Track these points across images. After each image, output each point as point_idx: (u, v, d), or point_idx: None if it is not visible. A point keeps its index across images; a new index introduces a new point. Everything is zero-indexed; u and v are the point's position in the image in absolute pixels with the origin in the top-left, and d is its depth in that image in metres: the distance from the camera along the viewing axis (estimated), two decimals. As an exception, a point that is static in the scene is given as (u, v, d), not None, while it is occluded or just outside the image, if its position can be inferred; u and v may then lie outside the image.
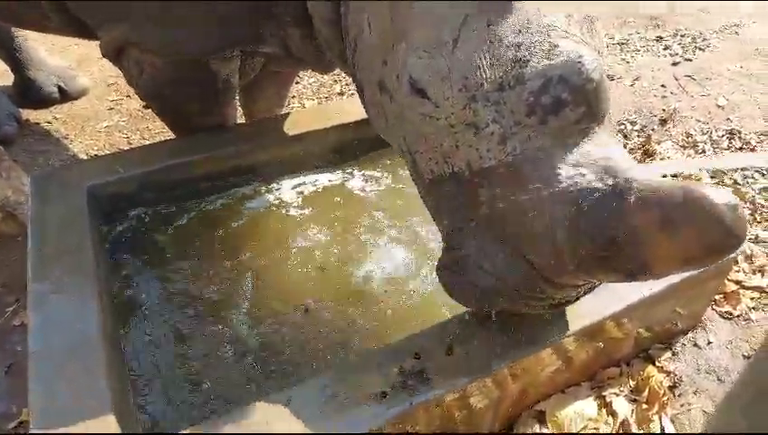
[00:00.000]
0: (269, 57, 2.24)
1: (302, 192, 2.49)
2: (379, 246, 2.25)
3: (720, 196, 1.06)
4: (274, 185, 2.50)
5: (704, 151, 3.22)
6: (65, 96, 3.81)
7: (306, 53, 2.06)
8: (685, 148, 3.26)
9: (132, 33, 2.05)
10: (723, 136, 3.32)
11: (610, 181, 1.19)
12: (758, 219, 2.66)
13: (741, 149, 3.20)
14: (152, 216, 2.31)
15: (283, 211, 2.40)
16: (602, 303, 1.67)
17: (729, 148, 3.22)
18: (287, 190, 2.49)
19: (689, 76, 3.85)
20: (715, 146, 3.25)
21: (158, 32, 2.02)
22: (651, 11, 4.66)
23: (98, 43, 2.19)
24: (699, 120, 3.45)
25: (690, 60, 4.03)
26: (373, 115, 1.68)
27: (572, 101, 1.24)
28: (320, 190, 2.51)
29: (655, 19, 4.57)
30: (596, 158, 1.24)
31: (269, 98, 2.97)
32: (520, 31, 1.26)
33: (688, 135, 3.34)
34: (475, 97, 1.28)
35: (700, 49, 4.16)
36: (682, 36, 4.33)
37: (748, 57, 4.00)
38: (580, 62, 1.23)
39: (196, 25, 2.00)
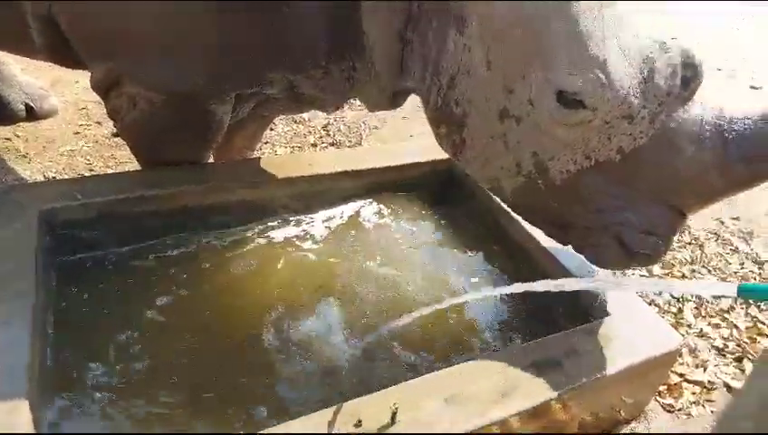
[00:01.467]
0: (266, 98, 2.27)
1: (261, 239, 2.46)
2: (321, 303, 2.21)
3: None
4: (238, 228, 2.47)
5: (656, 242, 3.34)
6: (32, 115, 3.72)
7: (322, 88, 2.13)
8: (638, 237, 3.38)
9: (135, 69, 2.05)
10: (674, 230, 3.47)
11: (733, 117, 1.63)
12: (703, 314, 2.75)
13: (690, 243, 3.34)
14: (107, 248, 2.24)
15: (240, 257, 2.35)
16: (551, 383, 1.68)
17: (679, 241, 3.35)
18: (248, 236, 2.46)
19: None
20: (667, 238, 3.38)
21: (166, 70, 2.02)
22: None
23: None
24: (653, 212, 3.59)
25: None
26: (481, 144, 1.86)
27: (694, 77, 1.64)
28: (279, 240, 2.48)
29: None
30: (709, 106, 1.67)
31: (244, 138, 2.97)
32: (635, 39, 1.64)
33: (642, 225, 3.47)
34: (627, 94, 1.61)
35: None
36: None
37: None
38: (688, 50, 1.65)
39: (206, 67, 2.01)
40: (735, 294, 1.37)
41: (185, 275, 2.21)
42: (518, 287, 1.73)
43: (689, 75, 1.63)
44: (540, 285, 1.69)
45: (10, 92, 3.60)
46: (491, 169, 1.89)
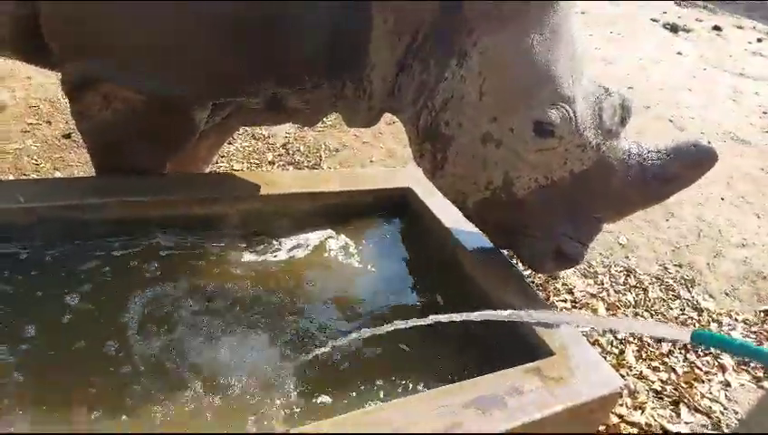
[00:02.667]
0: (243, 107, 2.26)
1: (208, 252, 2.39)
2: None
3: (705, 143, 2.04)
4: (181, 241, 2.39)
5: (602, 283, 3.43)
6: (-23, 109, 3.57)
7: (305, 102, 2.22)
8: (586, 277, 3.46)
9: (118, 71, 2.01)
10: (620, 271, 3.57)
11: (653, 148, 2.09)
12: (644, 357, 2.82)
13: (634, 287, 3.44)
14: (43, 254, 2.13)
15: (174, 271, 2.27)
16: (493, 422, 1.67)
17: (625, 284, 3.45)
18: (190, 251, 2.38)
19: (597, 211, 4.16)
20: (613, 280, 3.48)
21: (152, 74, 1.99)
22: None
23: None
24: (601, 254, 3.70)
25: (600, 196, 4.37)
26: (462, 162, 2.10)
27: (627, 116, 2.07)
28: (218, 257, 2.41)
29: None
30: (632, 140, 2.11)
31: (198, 150, 2.91)
32: (591, 83, 2.06)
33: (590, 265, 3.56)
34: (586, 127, 2.01)
35: (609, 188, 4.53)
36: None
37: (649, 204, 4.40)
38: (624, 95, 2.08)
39: (197, 73, 2.02)
40: (689, 340, 1.48)
41: (113, 282, 2.13)
42: (482, 315, 1.88)
43: (624, 115, 2.08)
44: (487, 315, 1.85)
45: (-45, 84, 3.45)
46: (463, 185, 2.15)
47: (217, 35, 1.93)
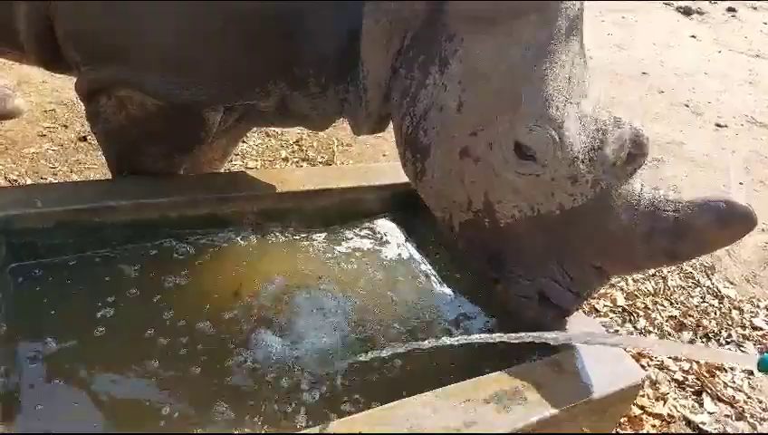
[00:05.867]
0: (254, 109, 2.25)
1: (223, 251, 2.40)
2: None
3: (743, 202, 1.70)
4: (199, 241, 2.41)
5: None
6: (-6, 115, 3.62)
7: (312, 108, 2.17)
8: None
9: (133, 75, 2.01)
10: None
11: (672, 198, 1.77)
12: (664, 347, 2.79)
13: (653, 276, 3.40)
14: (65, 259, 2.16)
15: (200, 270, 2.29)
16: (513, 416, 1.67)
17: (644, 272, 3.41)
18: (210, 248, 2.40)
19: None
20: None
21: (167, 78, 1.99)
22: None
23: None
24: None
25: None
26: (438, 175, 1.94)
27: (640, 154, 1.79)
28: (242, 249, 2.43)
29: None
30: (649, 187, 1.80)
31: (212, 151, 2.92)
32: (595, 109, 1.82)
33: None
34: (576, 158, 1.76)
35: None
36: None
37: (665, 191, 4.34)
38: (640, 128, 1.81)
39: (211, 76, 2.01)
40: (755, 368, 1.39)
41: (137, 285, 2.14)
42: (509, 337, 1.75)
43: (635, 152, 1.79)
44: (528, 336, 1.73)
45: (-28, 90, 3.50)
46: (444, 201, 1.98)
47: (231, 38, 1.93)
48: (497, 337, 1.78)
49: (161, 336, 1.97)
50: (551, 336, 1.73)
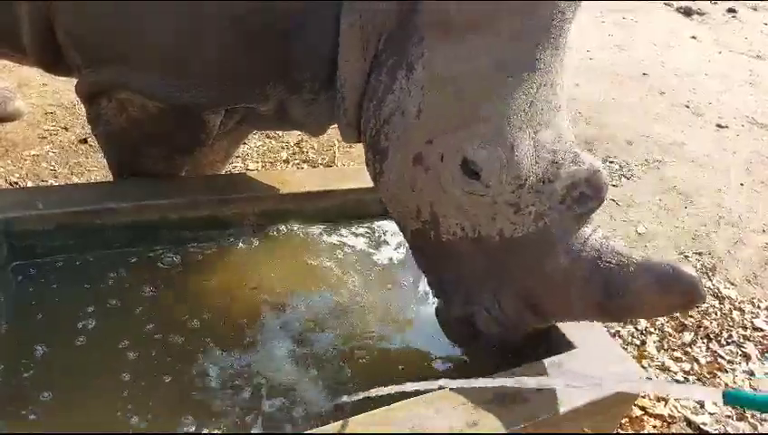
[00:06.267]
0: (253, 113, 2.25)
1: (225, 253, 2.41)
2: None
3: (691, 271, 1.55)
4: (199, 243, 2.41)
5: (621, 274, 3.39)
6: (-6, 117, 3.62)
7: (306, 114, 2.15)
8: (605, 268, 3.42)
9: (133, 78, 2.01)
10: (639, 262, 3.53)
11: (622, 251, 1.64)
12: (666, 347, 2.79)
13: (654, 276, 3.40)
14: (66, 260, 2.16)
15: (202, 272, 2.29)
16: (515, 417, 1.67)
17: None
18: (211, 251, 2.40)
19: (614, 201, 4.12)
20: (632, 270, 3.44)
21: (167, 80, 1.99)
22: (585, 134, 5.02)
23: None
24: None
25: (616, 186, 4.33)
26: (393, 179, 1.92)
27: (593, 197, 1.68)
28: (241, 252, 2.43)
29: (588, 143, 4.92)
30: (601, 234, 1.70)
31: (214, 152, 2.93)
32: (555, 140, 1.72)
33: (609, 256, 3.52)
34: (522, 185, 1.68)
35: (625, 177, 4.48)
36: (611, 163, 4.66)
37: (666, 192, 4.34)
38: (599, 170, 1.69)
39: (210, 78, 2.01)
40: (722, 400, 1.33)
41: (138, 286, 2.16)
42: (493, 382, 1.64)
43: (589, 193, 1.67)
44: (515, 382, 1.60)
45: (-27, 92, 3.50)
46: (399, 206, 1.96)
47: (230, 40, 1.92)
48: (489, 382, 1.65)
49: (163, 333, 1.98)
50: (532, 383, 1.60)
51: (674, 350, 2.79)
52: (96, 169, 3.48)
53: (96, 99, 2.16)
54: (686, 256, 3.61)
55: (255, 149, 4.12)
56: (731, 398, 1.33)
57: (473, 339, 1.86)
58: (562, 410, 1.74)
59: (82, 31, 2.03)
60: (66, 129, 3.82)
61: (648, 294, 1.58)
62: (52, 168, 3.45)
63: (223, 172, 2.98)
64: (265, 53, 1.96)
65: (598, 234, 1.69)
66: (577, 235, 1.67)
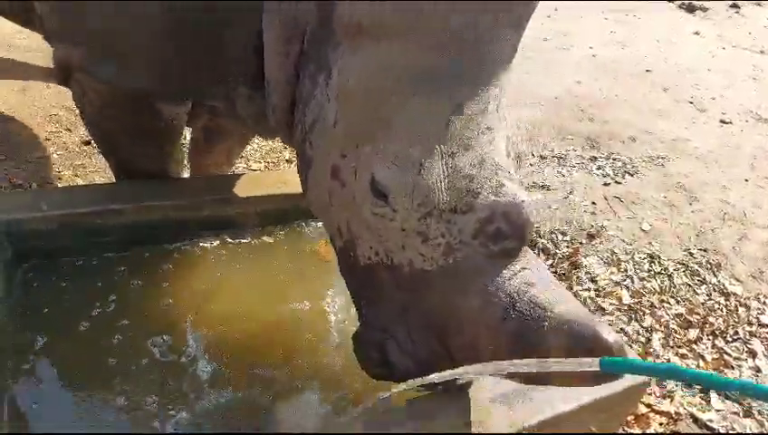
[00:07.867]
0: (214, 111, 2.22)
1: (226, 252, 2.41)
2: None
3: (612, 337, 1.32)
4: (201, 243, 2.42)
5: (626, 271, 3.39)
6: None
7: (250, 113, 2.06)
8: (609, 265, 3.42)
9: (85, 60, 2.00)
10: (644, 258, 3.52)
11: (543, 302, 1.40)
12: (671, 344, 2.78)
13: (659, 273, 3.39)
14: (69, 261, 2.17)
15: (205, 270, 2.29)
16: (519, 415, 1.66)
17: (649, 270, 3.40)
18: (213, 249, 2.41)
19: (618, 198, 4.11)
20: (637, 267, 3.43)
21: (116, 67, 1.97)
22: (589, 131, 5.01)
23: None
24: (624, 241, 3.65)
25: (620, 183, 4.32)
26: (315, 192, 1.77)
27: (511, 235, 1.47)
28: (242, 249, 2.44)
29: (591, 140, 4.90)
30: (522, 279, 1.46)
31: (218, 153, 2.93)
32: (474, 165, 1.50)
33: (613, 253, 3.52)
34: (430, 213, 1.48)
35: (629, 174, 4.46)
36: (614, 160, 4.65)
37: (670, 188, 4.33)
38: (521, 204, 1.48)
39: (143, 65, 1.97)
40: (599, 368, 1.21)
41: (136, 286, 2.17)
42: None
43: (506, 230, 1.47)
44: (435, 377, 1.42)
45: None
46: (324, 220, 1.83)
47: (159, 27, 1.86)
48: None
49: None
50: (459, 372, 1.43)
51: (679, 347, 2.78)
52: (99, 170, 3.49)
53: (65, 80, 2.15)
54: (691, 253, 3.60)
55: (258, 149, 4.13)
56: (607, 364, 1.21)
57: (384, 368, 1.64)
58: (567, 407, 1.73)
59: (49, 10, 2.04)
60: (70, 130, 3.83)
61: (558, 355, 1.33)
62: (56, 170, 3.46)
63: (228, 173, 2.99)
64: (195, 43, 1.89)
65: (518, 279, 1.46)
66: (493, 276, 1.46)
